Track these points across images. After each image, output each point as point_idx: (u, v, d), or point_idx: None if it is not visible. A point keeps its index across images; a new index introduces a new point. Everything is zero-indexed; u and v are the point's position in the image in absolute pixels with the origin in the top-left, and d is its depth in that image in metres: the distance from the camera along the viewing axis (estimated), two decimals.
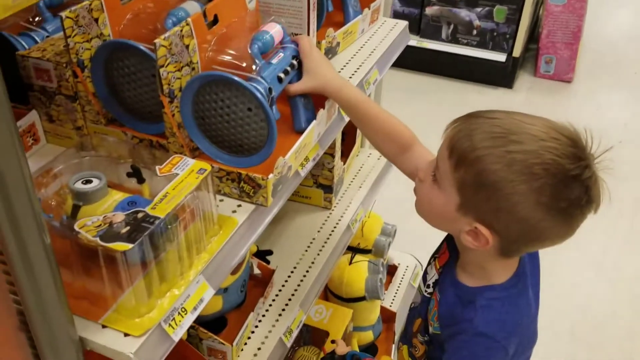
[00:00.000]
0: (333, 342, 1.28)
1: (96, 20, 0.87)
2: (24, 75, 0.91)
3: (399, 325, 1.73)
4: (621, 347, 1.89)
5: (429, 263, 0.99)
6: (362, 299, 1.52)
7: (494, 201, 0.76)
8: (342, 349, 1.19)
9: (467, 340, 0.83)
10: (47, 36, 1.00)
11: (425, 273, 0.98)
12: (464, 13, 3.10)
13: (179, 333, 0.69)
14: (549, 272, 2.27)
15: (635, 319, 1.98)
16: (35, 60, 0.88)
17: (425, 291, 0.96)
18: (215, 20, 0.88)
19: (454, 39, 3.18)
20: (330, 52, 1.20)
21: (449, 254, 0.93)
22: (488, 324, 0.82)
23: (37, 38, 0.99)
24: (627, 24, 4.05)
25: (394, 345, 1.69)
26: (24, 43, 0.96)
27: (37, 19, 1.02)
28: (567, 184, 0.73)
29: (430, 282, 0.95)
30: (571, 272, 2.15)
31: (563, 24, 3.20)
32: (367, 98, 0.99)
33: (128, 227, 0.64)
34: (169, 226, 0.68)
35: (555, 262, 2.15)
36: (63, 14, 0.82)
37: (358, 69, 1.19)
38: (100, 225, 0.65)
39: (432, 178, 0.84)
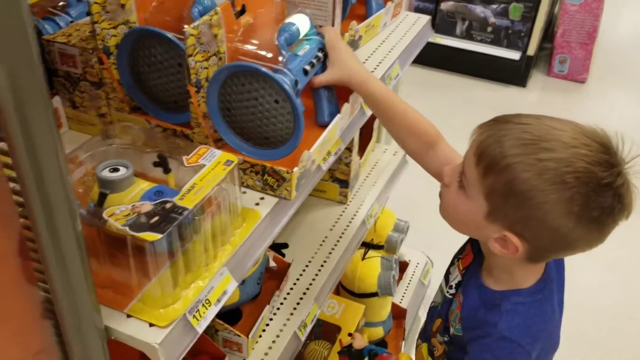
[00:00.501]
0: (350, 335, 1.27)
1: (123, 6, 0.86)
2: (49, 60, 0.90)
3: (409, 322, 1.73)
4: (635, 352, 1.88)
5: (452, 263, 0.98)
6: (374, 294, 1.52)
7: (524, 210, 0.74)
8: (359, 342, 1.18)
9: (491, 344, 0.82)
10: (71, 21, 0.99)
11: (448, 273, 0.97)
12: (479, 9, 3.07)
13: (203, 325, 0.69)
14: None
15: None
16: (61, 46, 0.88)
17: (448, 292, 0.95)
18: (243, 10, 0.87)
19: (468, 36, 3.16)
20: (353, 45, 1.19)
21: (473, 255, 0.92)
22: (513, 328, 0.82)
23: (60, 23, 0.98)
24: None
25: (403, 342, 1.69)
26: (48, 27, 0.95)
27: (60, 3, 1.02)
28: (599, 193, 0.72)
29: (453, 283, 0.94)
30: (584, 275, 2.13)
31: (578, 24, 3.17)
32: (392, 92, 0.98)
33: (156, 217, 0.64)
34: (196, 217, 0.67)
35: (568, 265, 2.13)
36: None
37: (380, 63, 1.18)
38: (129, 214, 0.64)
39: (458, 184, 0.82)
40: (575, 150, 0.72)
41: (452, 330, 0.91)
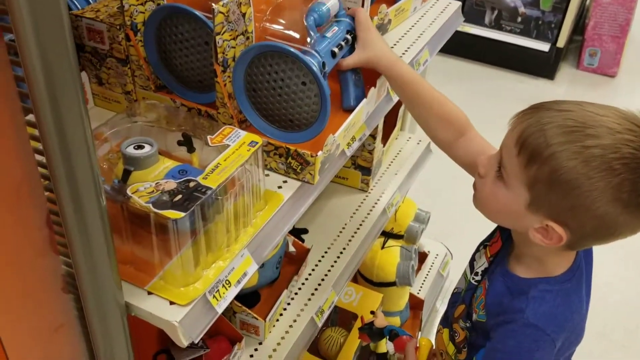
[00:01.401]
0: (372, 313, 1.26)
1: None
2: (76, 35, 0.90)
3: (426, 313, 1.72)
4: None
5: (478, 250, 0.96)
6: (393, 284, 1.51)
7: (570, 199, 0.73)
8: (380, 321, 1.17)
9: (516, 330, 0.81)
10: None
11: (473, 260, 0.96)
12: None
13: (222, 305, 0.69)
14: None
15: None
16: (89, 21, 0.87)
17: (473, 278, 0.93)
18: None
19: (497, 25, 3.09)
20: (382, 29, 1.17)
21: (502, 243, 0.90)
22: (539, 315, 0.80)
23: None
24: None
25: (419, 333, 1.68)
26: (76, 2, 0.95)
27: None
28: None
29: (479, 270, 0.92)
30: (605, 270, 2.09)
31: (611, 16, 3.08)
32: (421, 77, 0.96)
33: (180, 196, 0.63)
34: (219, 197, 0.67)
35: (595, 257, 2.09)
36: None
37: (409, 48, 1.16)
38: (153, 191, 0.64)
39: (495, 174, 0.81)
40: (620, 136, 0.71)
41: (474, 316, 0.90)
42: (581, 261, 0.86)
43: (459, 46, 3.14)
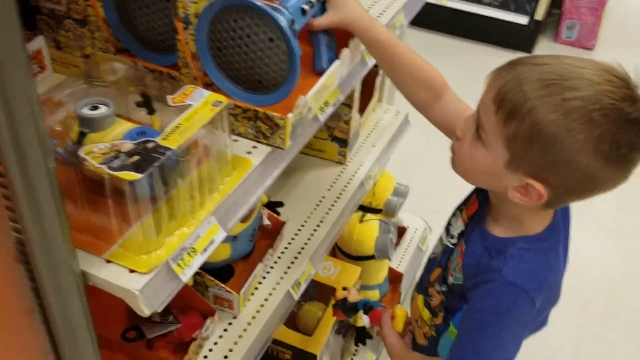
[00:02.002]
0: (345, 289, 1.24)
1: None
2: None
3: (405, 287, 1.71)
4: (634, 320, 1.86)
5: (454, 214, 0.94)
6: (371, 257, 1.49)
7: (551, 154, 0.71)
8: (354, 296, 1.15)
9: (494, 289, 0.80)
10: None
11: (449, 224, 0.94)
12: None
13: (187, 273, 0.65)
14: None
15: None
16: None
17: (449, 241, 0.91)
18: None
19: None
20: None
21: (478, 205, 0.89)
22: (518, 274, 0.79)
23: None
24: None
25: (398, 306, 1.66)
26: None
27: None
28: (628, 129, 0.69)
29: (455, 233, 0.91)
30: (584, 243, 2.10)
31: None
32: (397, 39, 0.92)
33: (137, 157, 0.59)
34: (180, 159, 0.63)
35: (571, 232, 2.11)
36: None
37: (384, 11, 1.12)
38: (108, 152, 0.60)
39: (473, 135, 0.79)
40: (600, 87, 0.69)
41: (451, 279, 0.88)
42: (559, 219, 0.85)
43: (438, 21, 3.11)
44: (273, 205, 1.26)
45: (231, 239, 1.02)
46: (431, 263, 1.00)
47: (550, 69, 0.71)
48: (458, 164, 0.84)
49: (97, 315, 0.83)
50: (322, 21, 0.88)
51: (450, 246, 0.92)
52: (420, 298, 0.99)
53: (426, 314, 0.97)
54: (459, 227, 0.92)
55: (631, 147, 0.70)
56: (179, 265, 0.64)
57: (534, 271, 0.81)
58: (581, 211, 2.39)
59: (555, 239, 0.84)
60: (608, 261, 2.05)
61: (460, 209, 0.94)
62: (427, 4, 3.33)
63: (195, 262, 0.66)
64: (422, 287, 1.00)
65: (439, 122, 0.93)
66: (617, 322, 1.85)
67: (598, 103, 0.68)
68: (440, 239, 0.97)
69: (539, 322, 0.90)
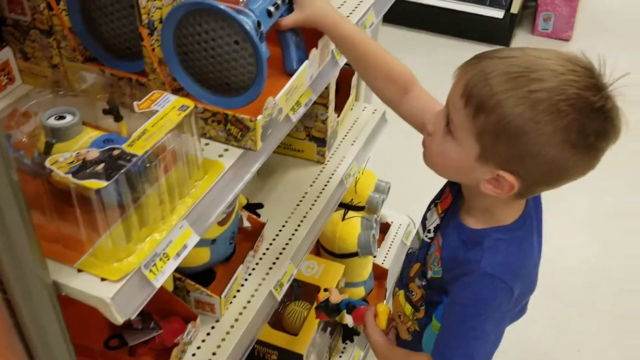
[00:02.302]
0: (326, 290, 1.25)
1: None
2: None
3: (390, 282, 1.72)
4: (610, 308, 1.89)
5: (429, 209, 0.95)
6: (355, 254, 1.49)
7: (519, 146, 0.72)
8: (335, 297, 1.16)
9: (473, 281, 0.81)
10: None
11: (425, 219, 0.95)
12: None
13: (160, 279, 0.65)
14: None
15: (625, 280, 1.97)
16: None
17: (426, 236, 0.92)
18: None
19: None
20: None
21: (452, 198, 0.90)
22: (495, 265, 0.80)
23: None
24: None
25: (384, 302, 1.67)
26: None
27: None
28: (593, 118, 0.70)
29: (431, 227, 0.92)
30: (559, 234, 2.13)
31: None
32: (366, 35, 0.93)
33: (103, 165, 0.59)
34: (148, 165, 0.63)
35: (546, 222, 2.13)
36: None
37: (354, 9, 1.12)
38: (73, 162, 0.60)
39: (444, 130, 0.79)
40: (564, 77, 0.70)
41: (430, 273, 0.89)
42: (531, 209, 0.86)
43: (414, 17, 3.13)
44: (253, 207, 1.26)
45: (210, 242, 1.02)
46: (409, 258, 1.01)
47: (515, 61, 0.72)
48: (430, 159, 0.85)
49: (79, 324, 0.83)
50: (289, 20, 0.88)
51: (427, 240, 0.93)
52: (401, 293, 1.00)
53: (408, 309, 0.98)
54: (434, 221, 0.93)
55: (597, 135, 0.71)
56: (151, 271, 0.64)
57: (510, 261, 0.82)
58: (556, 202, 2.43)
59: (528, 227, 0.85)
60: (583, 250, 2.08)
61: (434, 203, 0.95)
62: (403, 1, 3.35)
63: (168, 268, 0.66)
64: (402, 282, 1.01)
65: (409, 117, 0.94)
66: (594, 311, 1.88)
67: (563, 93, 0.69)
68: (417, 234, 0.98)
69: (518, 310, 0.92)
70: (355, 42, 0.91)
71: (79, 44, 0.84)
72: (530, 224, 0.85)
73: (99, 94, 0.76)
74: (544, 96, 0.69)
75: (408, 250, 1.01)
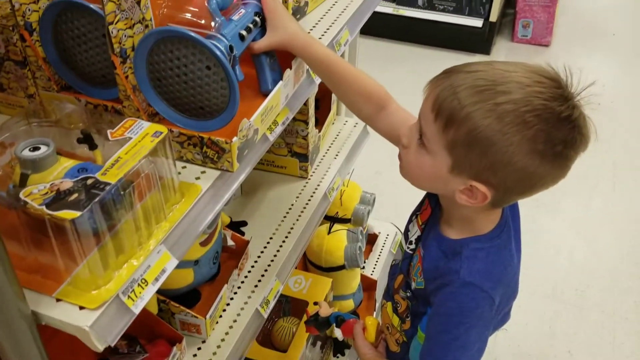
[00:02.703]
0: (316, 304, 1.25)
1: None
2: None
3: (379, 294, 1.72)
4: (602, 310, 1.91)
5: (410, 220, 0.97)
6: (342, 267, 1.50)
7: (489, 156, 0.74)
8: (325, 310, 1.17)
9: (454, 292, 0.82)
10: None
11: (407, 230, 0.96)
12: None
13: (139, 305, 0.66)
14: (530, 237, 2.27)
15: (616, 281, 1.99)
16: None
17: (408, 247, 0.94)
18: None
19: (430, 5, 3.13)
20: (299, 12, 1.15)
21: (431, 209, 0.91)
22: (474, 273, 0.81)
23: None
24: None
25: (375, 314, 1.68)
26: None
27: None
28: (560, 127, 0.72)
29: (413, 239, 0.93)
30: (553, 236, 2.16)
31: None
32: (337, 55, 0.95)
33: (76, 194, 0.60)
34: (122, 193, 0.64)
35: (537, 226, 2.15)
36: None
37: (328, 29, 1.14)
38: (47, 193, 0.61)
39: (417, 143, 0.81)
40: (530, 89, 0.72)
41: (413, 284, 0.90)
42: (508, 217, 0.87)
43: (396, 30, 3.17)
44: (237, 226, 1.27)
45: (193, 263, 1.03)
46: (394, 270, 1.02)
47: (482, 75, 0.74)
48: (406, 171, 0.86)
49: (67, 350, 0.83)
50: (261, 44, 0.90)
51: (410, 252, 0.94)
52: (389, 305, 1.01)
53: (395, 320, 0.99)
54: (415, 232, 0.94)
55: (565, 144, 0.73)
56: (129, 297, 0.65)
57: (489, 269, 0.83)
58: (548, 205, 2.45)
59: (506, 235, 0.86)
60: (575, 252, 2.10)
61: (415, 214, 0.97)
62: (383, 14, 3.40)
63: (147, 293, 0.67)
64: (388, 294, 1.02)
65: (386, 132, 0.95)
66: (586, 312, 1.90)
67: (529, 104, 0.71)
68: (400, 245, 0.99)
69: (500, 317, 0.93)
70: (326, 63, 0.93)
71: (54, 74, 0.86)
72: (507, 232, 0.87)
73: (75, 122, 0.76)
74: (510, 108, 0.71)
75: (392, 261, 1.03)
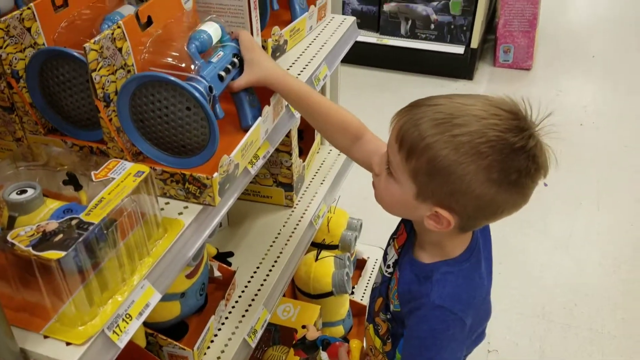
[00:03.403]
0: (304, 327, 1.27)
1: (29, 29, 0.85)
2: None
3: None
4: (591, 326, 1.93)
5: (388, 244, 1.00)
6: (330, 294, 1.52)
7: (448, 185, 0.77)
8: (312, 333, 1.19)
9: (425, 315, 0.84)
10: None
11: (385, 254, 1.00)
12: (420, 8, 3.13)
13: (124, 339, 0.68)
14: (516, 257, 2.30)
15: (603, 298, 2.02)
16: None
17: (386, 271, 0.97)
18: (150, 22, 0.87)
19: (412, 34, 3.21)
20: (279, 50, 1.20)
21: (406, 234, 0.95)
22: (444, 297, 0.84)
23: None
24: (582, 7, 4.14)
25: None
26: None
27: None
28: (514, 157, 0.75)
29: (390, 262, 0.96)
30: (539, 255, 2.19)
31: (519, 13, 3.26)
32: (312, 89, 1.00)
33: (61, 235, 0.63)
34: (105, 231, 0.67)
35: (523, 246, 2.19)
36: None
37: (307, 65, 1.19)
38: (34, 234, 0.64)
39: (386, 171, 0.85)
40: (486, 122, 0.76)
41: (392, 307, 0.93)
42: (478, 240, 0.91)
43: (380, 58, 3.25)
44: (223, 256, 1.30)
45: (179, 296, 1.05)
46: (374, 293, 1.05)
47: (442, 109, 0.78)
48: (379, 198, 0.90)
49: None
50: (241, 82, 0.94)
51: (387, 275, 0.97)
52: (370, 327, 1.04)
53: (378, 342, 1.01)
54: (393, 256, 0.98)
55: (520, 173, 0.76)
56: (114, 332, 0.68)
57: (459, 292, 0.86)
58: (533, 225, 2.47)
59: (475, 258, 0.89)
60: (563, 270, 2.13)
61: (392, 238, 1.00)
62: (367, 43, 3.47)
63: (132, 327, 0.70)
64: (370, 316, 1.05)
65: (361, 161, 1.00)
66: (575, 327, 1.92)
67: (484, 136, 0.75)
68: (380, 269, 1.02)
69: (475, 337, 0.95)
70: (302, 97, 0.97)
71: (41, 118, 0.89)
72: (477, 254, 0.90)
73: (61, 163, 0.80)
74: (466, 139, 0.75)
75: (373, 285, 1.06)
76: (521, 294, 2.00)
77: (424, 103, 0.81)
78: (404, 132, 0.79)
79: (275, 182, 1.42)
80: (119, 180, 0.71)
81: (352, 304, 1.69)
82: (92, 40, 0.75)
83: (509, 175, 0.76)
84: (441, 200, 0.80)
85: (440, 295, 0.84)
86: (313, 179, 1.55)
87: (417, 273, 0.89)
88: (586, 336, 1.89)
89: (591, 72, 3.37)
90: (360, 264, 1.88)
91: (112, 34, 0.78)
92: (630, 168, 2.62)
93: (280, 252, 1.32)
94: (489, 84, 3.26)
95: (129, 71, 0.83)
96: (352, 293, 1.74)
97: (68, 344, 0.65)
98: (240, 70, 0.96)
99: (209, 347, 1.10)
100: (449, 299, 0.84)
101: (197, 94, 0.79)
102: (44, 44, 0.87)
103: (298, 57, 1.23)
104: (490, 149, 0.75)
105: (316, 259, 1.55)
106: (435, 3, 3.09)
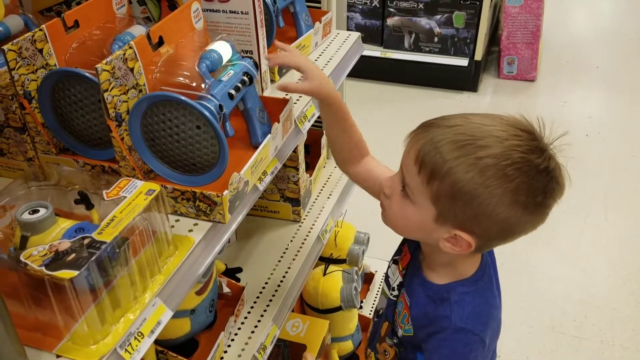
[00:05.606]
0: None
1: (40, 50, 0.87)
2: None
3: None
4: (602, 338, 1.91)
5: (389, 266, 0.99)
6: (339, 309, 1.52)
7: (473, 208, 0.76)
8: None
9: (447, 338, 0.83)
10: None
11: (387, 277, 0.99)
12: (424, 21, 3.15)
13: (136, 358, 0.69)
14: (525, 270, 2.28)
15: (613, 310, 2.00)
16: None
17: (391, 294, 0.96)
18: (162, 42, 0.89)
19: (416, 48, 3.23)
20: (285, 66, 1.21)
21: (410, 255, 0.94)
22: (465, 318, 0.83)
23: None
24: (584, 19, 4.16)
25: None
26: None
27: None
28: (539, 179, 0.75)
29: (395, 285, 0.95)
30: (547, 267, 2.17)
31: (522, 25, 3.27)
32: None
33: (74, 254, 0.64)
34: (117, 250, 0.67)
35: (532, 259, 2.18)
36: (5, 47, 0.82)
37: (296, 102, 1.20)
38: (46, 254, 0.64)
39: (401, 193, 0.84)
40: (508, 143, 0.75)
41: (400, 332, 0.92)
42: (487, 258, 0.91)
43: (384, 72, 3.26)
44: (232, 272, 1.30)
45: (189, 312, 1.05)
46: (380, 318, 1.03)
47: (462, 130, 0.77)
48: (390, 220, 0.89)
49: None
50: (300, 88, 0.94)
51: (393, 299, 0.96)
52: (372, 355, 1.02)
53: None
54: (397, 278, 0.96)
55: (545, 194, 0.76)
56: (127, 350, 0.68)
57: (478, 312, 0.85)
58: (541, 238, 2.47)
59: (488, 277, 0.89)
60: (569, 282, 2.12)
61: (394, 260, 0.99)
62: (371, 57, 3.49)
63: (144, 345, 0.70)
64: (373, 344, 1.03)
65: (362, 180, 1.01)
66: (586, 340, 1.90)
67: (509, 158, 0.74)
68: (383, 292, 1.01)
69: (489, 357, 0.94)
70: (339, 110, 0.96)
71: (52, 138, 0.90)
72: (489, 273, 0.89)
73: (73, 183, 0.81)
74: (491, 162, 0.74)
75: (377, 310, 1.04)
76: (530, 307, 1.99)
77: (441, 124, 0.80)
78: (424, 154, 0.78)
79: (283, 197, 1.43)
80: (130, 198, 0.72)
81: (361, 318, 1.69)
82: (104, 61, 0.76)
83: (535, 197, 0.75)
84: (463, 223, 0.79)
85: (462, 317, 0.83)
86: (320, 193, 1.55)
87: (431, 295, 0.88)
88: (597, 348, 1.87)
89: (595, 83, 3.38)
90: (368, 278, 1.88)
91: (124, 54, 0.80)
92: (637, 178, 2.61)
93: (289, 267, 1.32)
94: (493, 95, 3.27)
95: (140, 91, 0.84)
96: (361, 307, 1.74)
97: None
98: (252, 88, 0.96)
99: None
100: (471, 320, 0.83)
101: (207, 113, 0.80)
102: (55, 65, 0.89)
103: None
104: (517, 172, 0.74)
105: (324, 274, 1.54)
106: (438, 16, 3.11)
